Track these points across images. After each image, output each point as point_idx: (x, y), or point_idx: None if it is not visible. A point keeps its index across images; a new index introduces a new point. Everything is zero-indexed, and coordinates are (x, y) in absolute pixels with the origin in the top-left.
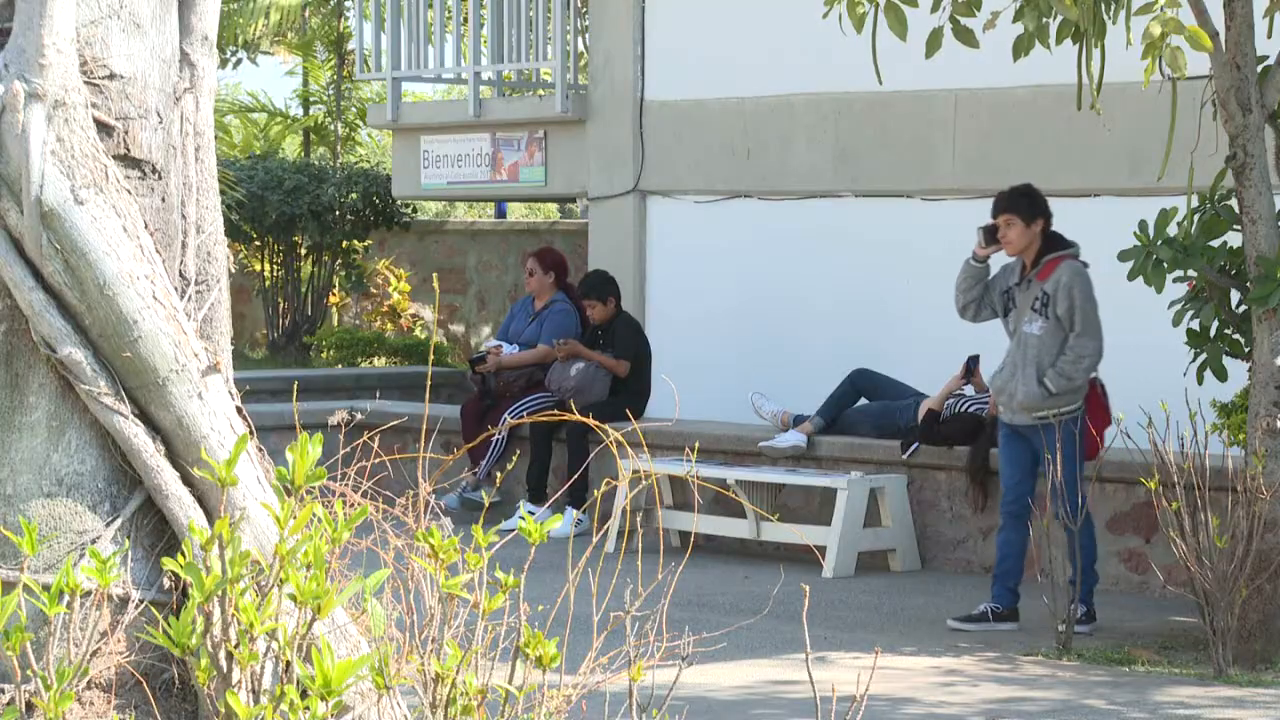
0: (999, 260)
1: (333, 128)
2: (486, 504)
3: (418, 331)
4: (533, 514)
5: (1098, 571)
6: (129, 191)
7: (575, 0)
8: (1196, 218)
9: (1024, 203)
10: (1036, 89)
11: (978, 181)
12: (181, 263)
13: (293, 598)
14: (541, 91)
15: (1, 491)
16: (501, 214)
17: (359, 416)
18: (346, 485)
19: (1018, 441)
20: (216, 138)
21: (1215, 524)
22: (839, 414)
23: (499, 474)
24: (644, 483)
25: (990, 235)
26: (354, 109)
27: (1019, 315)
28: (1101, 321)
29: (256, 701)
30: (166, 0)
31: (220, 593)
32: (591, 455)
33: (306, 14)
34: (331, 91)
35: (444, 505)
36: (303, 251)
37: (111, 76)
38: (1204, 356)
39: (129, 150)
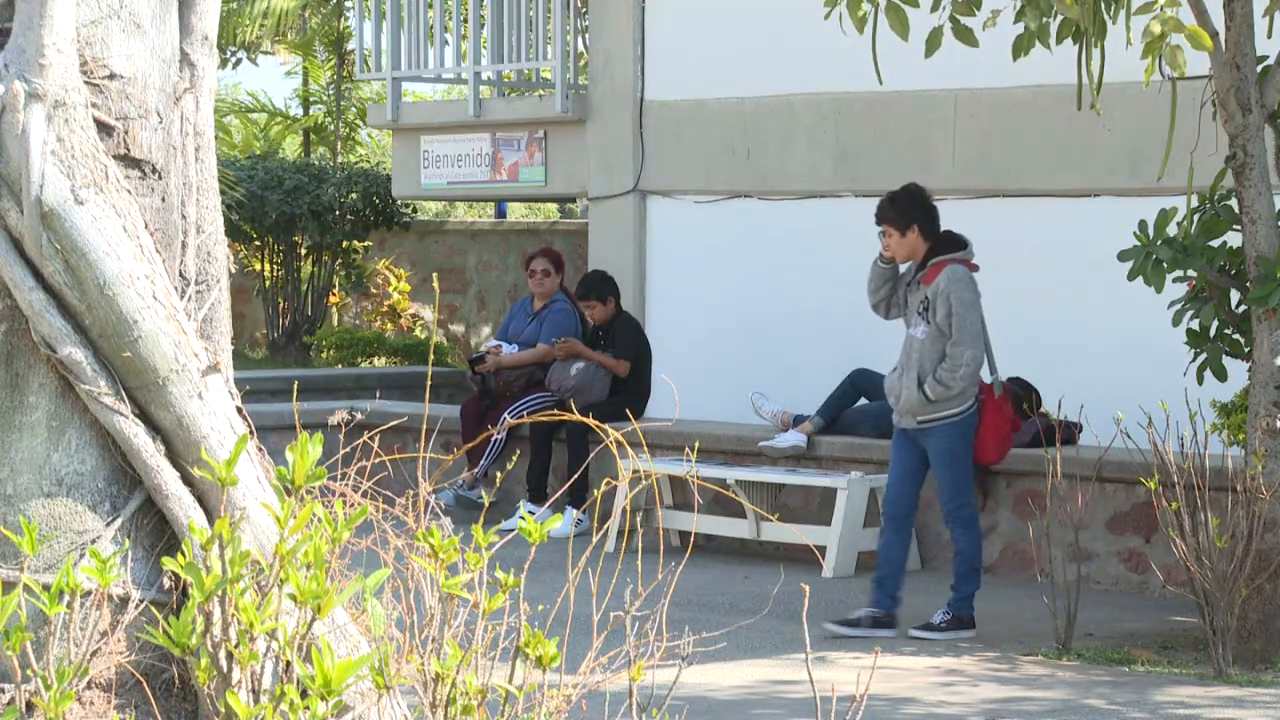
0: None
1: (333, 128)
2: (486, 504)
3: (418, 331)
4: (533, 514)
5: (979, 580)
6: (129, 191)
7: (575, 0)
8: (1196, 218)
9: (892, 214)
10: (1036, 89)
11: (978, 181)
12: (181, 263)
13: (293, 598)
14: (541, 91)
15: (1, 491)
16: (501, 214)
17: (359, 416)
18: (346, 485)
19: (905, 443)
20: (216, 138)
21: (1215, 524)
22: (839, 414)
23: (498, 474)
24: (644, 483)
25: None
26: (354, 109)
27: (909, 317)
28: (982, 328)
29: (256, 701)
30: (166, 0)
31: (220, 593)
32: (591, 455)
33: (306, 14)
34: (331, 91)
35: (443, 504)
36: (303, 251)
37: (111, 76)
38: (1204, 356)
39: (129, 150)
